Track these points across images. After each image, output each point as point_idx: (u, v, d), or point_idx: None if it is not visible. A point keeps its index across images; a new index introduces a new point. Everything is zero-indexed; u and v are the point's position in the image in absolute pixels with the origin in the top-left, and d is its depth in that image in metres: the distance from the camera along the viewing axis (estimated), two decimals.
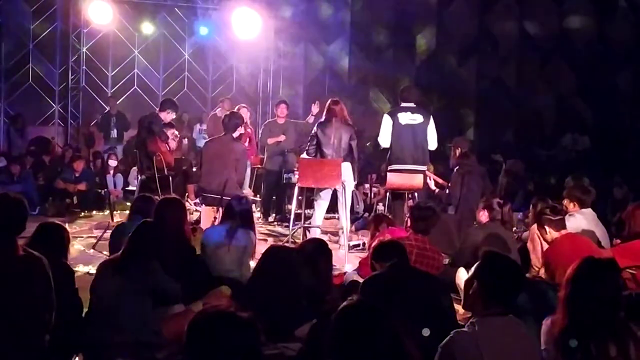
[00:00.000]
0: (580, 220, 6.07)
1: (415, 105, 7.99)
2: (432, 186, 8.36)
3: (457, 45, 17.31)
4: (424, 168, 7.99)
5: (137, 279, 4.09)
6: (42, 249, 3.74)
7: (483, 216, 6.52)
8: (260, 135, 10.28)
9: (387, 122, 7.87)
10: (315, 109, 9.61)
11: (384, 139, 7.90)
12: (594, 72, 16.97)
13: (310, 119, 9.63)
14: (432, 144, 7.96)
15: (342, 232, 7.73)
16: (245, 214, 5.65)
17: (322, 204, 7.99)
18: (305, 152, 8.26)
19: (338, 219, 8.37)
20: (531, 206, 6.56)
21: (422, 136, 7.85)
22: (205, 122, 13.98)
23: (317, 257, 4.87)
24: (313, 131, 8.08)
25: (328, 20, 16.23)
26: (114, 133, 13.34)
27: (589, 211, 6.33)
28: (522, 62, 17.61)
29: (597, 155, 15.02)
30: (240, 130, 7.72)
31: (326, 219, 9.09)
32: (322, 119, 8.00)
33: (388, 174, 7.92)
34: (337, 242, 7.94)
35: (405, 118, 7.83)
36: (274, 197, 9.99)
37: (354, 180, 8.40)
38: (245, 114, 9.68)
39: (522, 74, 17.64)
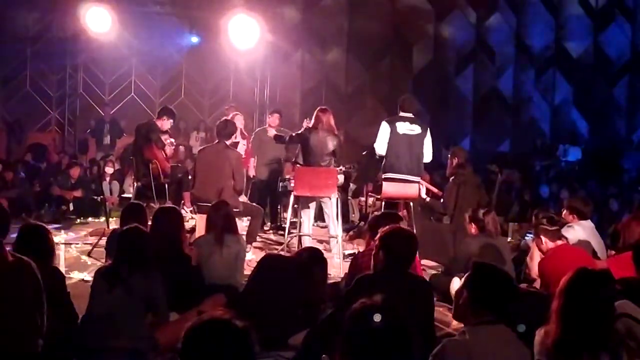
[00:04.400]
0: (579, 231, 6.12)
1: (413, 116, 8.01)
2: (423, 194, 8.33)
3: (454, 55, 17.38)
4: (417, 179, 7.98)
5: (133, 286, 4.09)
6: (28, 253, 3.71)
7: (472, 229, 6.41)
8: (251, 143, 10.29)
9: (384, 130, 7.84)
10: (306, 124, 9.70)
11: (380, 147, 7.88)
12: (589, 84, 17.07)
13: None
14: (428, 156, 7.96)
15: (336, 240, 7.73)
16: (226, 220, 5.65)
17: (308, 212, 8.06)
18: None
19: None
20: (533, 217, 6.51)
21: (418, 147, 7.86)
22: (202, 130, 14.04)
23: (313, 266, 4.88)
24: (299, 132, 8.25)
25: (325, 29, 16.28)
26: (107, 140, 13.34)
27: (587, 223, 6.36)
28: (518, 73, 17.70)
29: (592, 167, 15.08)
30: (235, 139, 7.72)
31: (322, 227, 9.10)
32: (310, 126, 8.12)
33: (384, 183, 7.92)
34: (331, 250, 7.94)
35: (403, 127, 7.83)
36: (267, 206, 9.99)
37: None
38: (240, 121, 9.69)
39: (519, 84, 17.72)
